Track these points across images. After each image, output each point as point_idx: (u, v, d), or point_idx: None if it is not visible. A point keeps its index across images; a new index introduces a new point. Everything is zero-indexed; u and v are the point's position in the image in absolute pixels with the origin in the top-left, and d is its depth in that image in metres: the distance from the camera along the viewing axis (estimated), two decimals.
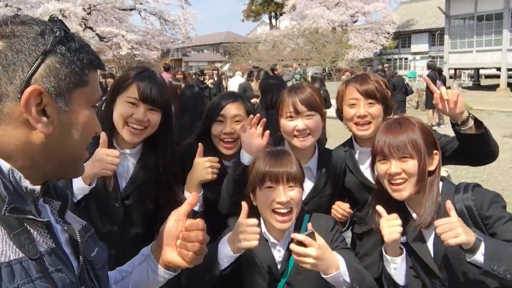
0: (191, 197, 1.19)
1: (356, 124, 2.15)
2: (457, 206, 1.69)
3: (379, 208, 1.76)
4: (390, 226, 1.72)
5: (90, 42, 18.79)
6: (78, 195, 1.76)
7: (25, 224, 0.83)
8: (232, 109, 2.16)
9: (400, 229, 1.71)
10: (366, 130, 2.13)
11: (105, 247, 1.13)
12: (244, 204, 1.69)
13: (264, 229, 1.82)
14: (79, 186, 1.75)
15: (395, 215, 1.75)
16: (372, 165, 1.85)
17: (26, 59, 0.84)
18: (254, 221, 1.64)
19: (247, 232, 1.61)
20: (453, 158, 2.06)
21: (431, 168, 1.77)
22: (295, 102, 2.07)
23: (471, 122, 1.90)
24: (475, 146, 1.94)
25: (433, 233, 1.74)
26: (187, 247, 1.13)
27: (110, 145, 1.92)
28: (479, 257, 1.49)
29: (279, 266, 1.81)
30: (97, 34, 19.04)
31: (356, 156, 2.27)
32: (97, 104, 1.00)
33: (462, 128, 1.91)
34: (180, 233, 1.16)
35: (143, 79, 1.92)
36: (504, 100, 18.52)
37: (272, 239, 1.82)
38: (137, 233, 2.02)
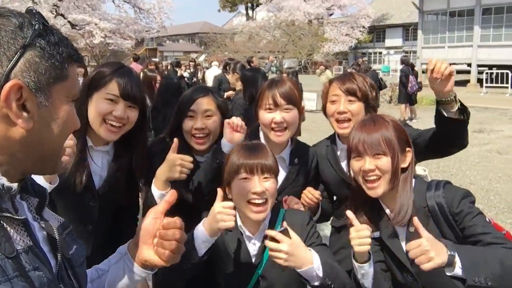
0: (169, 195, 1.18)
1: (337, 120, 2.19)
2: (429, 203, 1.75)
3: (350, 214, 1.76)
4: (360, 237, 1.73)
5: (62, 30, 18.31)
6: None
7: (1, 222, 0.82)
8: (202, 104, 2.13)
9: (369, 241, 1.73)
10: (346, 129, 2.16)
11: (83, 245, 1.11)
12: (219, 190, 1.70)
13: (239, 222, 1.83)
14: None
15: (365, 226, 1.75)
16: (348, 162, 1.88)
17: (5, 53, 0.82)
18: (230, 203, 1.65)
19: (223, 213, 1.61)
20: (424, 151, 2.09)
21: (404, 165, 1.80)
22: (275, 94, 2.10)
23: (455, 106, 1.91)
24: (454, 133, 1.96)
25: (406, 229, 1.80)
26: (164, 246, 1.12)
27: (84, 142, 1.90)
28: (457, 270, 1.52)
29: (253, 259, 1.83)
30: (69, 22, 18.54)
31: (338, 152, 2.31)
32: None
33: (448, 110, 1.91)
34: (157, 232, 1.15)
35: (122, 75, 1.89)
36: (473, 96, 19.04)
37: (247, 233, 1.83)
38: (107, 229, 2.03)
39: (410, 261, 1.75)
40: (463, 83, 23.09)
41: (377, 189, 1.77)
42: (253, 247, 1.84)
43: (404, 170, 1.81)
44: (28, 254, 0.85)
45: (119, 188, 2.01)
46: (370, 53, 41.02)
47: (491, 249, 1.59)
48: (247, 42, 23.82)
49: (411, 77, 12.74)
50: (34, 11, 0.88)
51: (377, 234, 1.88)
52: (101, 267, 1.23)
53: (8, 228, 0.83)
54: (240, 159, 1.76)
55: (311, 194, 2.13)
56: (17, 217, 0.86)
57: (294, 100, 2.12)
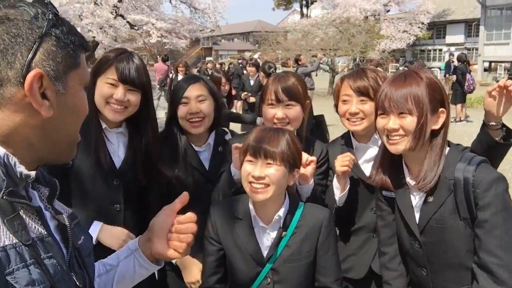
0: (183, 196, 1.25)
1: (348, 120, 2.15)
2: (456, 174, 1.64)
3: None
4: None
5: (122, 30, 19.06)
6: None
7: (17, 210, 0.85)
8: (194, 89, 2.21)
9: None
10: (358, 125, 2.12)
11: (90, 235, 1.16)
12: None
13: (253, 212, 1.82)
14: None
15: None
16: (375, 118, 1.80)
17: (24, 43, 0.85)
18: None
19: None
20: None
21: (436, 126, 1.68)
22: (277, 90, 2.10)
23: (500, 132, 1.87)
24: (496, 155, 1.90)
25: (424, 197, 1.72)
26: (181, 239, 1.21)
27: (98, 123, 2.02)
28: None
29: (266, 252, 1.81)
30: (128, 22, 19.27)
31: (354, 151, 2.24)
32: None
33: (492, 133, 1.86)
34: (169, 227, 1.23)
35: (121, 60, 1.98)
36: None
37: (261, 223, 1.82)
38: (136, 211, 2.12)
39: (420, 230, 1.72)
40: None
41: (398, 145, 1.69)
42: (266, 239, 1.82)
43: (435, 133, 1.69)
44: (43, 242, 0.88)
45: (138, 168, 2.10)
46: (430, 50, 39.40)
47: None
48: (300, 40, 23.62)
49: (468, 75, 12.12)
50: (45, 1, 0.91)
51: (392, 194, 1.83)
52: (109, 262, 1.27)
53: (24, 216, 0.86)
54: (250, 140, 1.77)
55: (343, 158, 2.04)
56: (33, 205, 0.89)
57: (297, 96, 2.11)
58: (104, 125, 2.06)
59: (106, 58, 2.02)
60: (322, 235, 1.81)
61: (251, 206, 1.83)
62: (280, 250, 1.79)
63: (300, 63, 10.99)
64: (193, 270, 2.21)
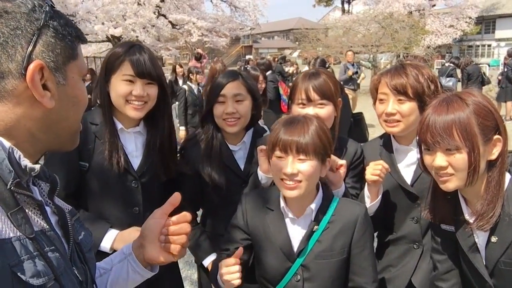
0: (173, 197, 1.21)
1: (385, 121, 1.98)
2: None
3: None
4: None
5: (164, 30, 19.43)
6: None
7: (20, 204, 0.85)
8: (232, 88, 2.12)
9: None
10: (394, 127, 1.95)
11: (90, 232, 1.15)
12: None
13: (282, 203, 1.75)
14: None
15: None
16: (420, 152, 1.62)
17: (24, 35, 0.85)
18: (232, 261, 1.58)
19: (227, 273, 1.57)
20: None
21: (492, 157, 1.47)
22: (308, 89, 2.00)
23: None
24: None
25: (487, 236, 1.53)
26: (175, 240, 1.17)
27: (112, 125, 1.97)
28: None
29: (296, 245, 1.73)
30: (170, 22, 19.63)
31: (394, 153, 2.09)
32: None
33: None
34: (161, 230, 1.20)
35: (133, 53, 1.91)
36: None
37: (290, 214, 1.74)
38: None
39: (489, 272, 1.54)
40: None
41: (448, 184, 1.51)
42: (297, 232, 1.73)
43: (492, 163, 1.49)
44: (45, 236, 0.89)
45: (157, 166, 2.04)
46: (478, 46, 37.87)
47: None
48: (341, 37, 23.25)
49: None
50: None
51: (452, 228, 1.65)
52: (102, 265, 1.25)
53: (27, 210, 0.87)
54: (278, 134, 1.66)
55: (375, 166, 1.90)
56: (36, 198, 0.90)
57: (329, 94, 1.99)
58: (120, 126, 2.00)
59: (116, 54, 1.92)
60: (358, 232, 1.70)
61: (281, 198, 1.77)
62: (311, 245, 1.70)
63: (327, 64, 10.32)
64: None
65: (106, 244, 1.92)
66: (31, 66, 0.85)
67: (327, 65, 6.87)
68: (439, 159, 1.48)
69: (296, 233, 1.74)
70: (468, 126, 1.42)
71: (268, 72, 8.43)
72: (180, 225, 1.19)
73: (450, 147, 1.45)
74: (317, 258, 1.70)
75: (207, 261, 2.21)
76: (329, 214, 1.72)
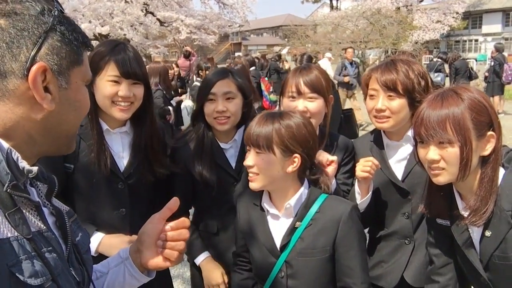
0: (172, 202, 1.20)
1: (375, 117, 1.98)
2: None
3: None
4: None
5: (152, 27, 19.29)
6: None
7: (18, 205, 0.85)
8: (222, 86, 2.10)
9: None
10: (384, 123, 1.95)
11: (87, 233, 1.15)
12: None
13: (264, 199, 1.77)
14: None
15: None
16: (415, 145, 1.64)
17: (30, 37, 0.87)
18: None
19: None
20: None
21: (484, 153, 1.49)
22: (298, 82, 2.01)
23: None
24: None
25: (481, 231, 1.54)
26: (174, 247, 1.17)
27: (98, 126, 1.93)
28: None
29: (279, 240, 1.73)
30: (158, 19, 19.50)
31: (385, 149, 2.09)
32: None
33: None
34: (158, 236, 1.19)
35: (118, 53, 1.86)
36: None
37: (272, 210, 1.75)
38: (144, 213, 1.97)
39: (483, 266, 1.55)
40: None
41: (440, 177, 1.52)
42: (279, 227, 1.74)
43: (486, 158, 1.50)
44: (43, 236, 0.89)
45: (144, 167, 2.01)
46: (465, 41, 38.22)
47: None
48: (330, 33, 23.32)
49: (505, 66, 11.67)
50: None
51: (447, 222, 1.66)
52: (99, 268, 1.24)
53: (24, 211, 0.87)
54: (250, 127, 1.74)
55: (367, 163, 1.89)
56: (33, 199, 0.90)
57: (319, 88, 2.00)
58: (105, 127, 1.96)
59: (100, 53, 1.87)
60: (341, 231, 1.67)
61: (264, 193, 1.79)
62: (293, 242, 1.69)
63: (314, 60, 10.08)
64: (215, 273, 2.16)
65: (91, 247, 1.89)
66: (34, 68, 0.86)
67: (313, 61, 6.90)
68: (432, 152, 1.50)
69: (278, 229, 1.75)
70: (462, 121, 1.43)
71: (252, 68, 8.44)
72: (179, 231, 1.18)
73: (442, 140, 1.46)
74: (300, 255, 1.69)
75: (199, 260, 2.20)
76: (313, 211, 1.71)
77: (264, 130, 1.66)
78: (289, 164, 1.69)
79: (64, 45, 0.91)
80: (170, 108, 6.38)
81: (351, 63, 11.34)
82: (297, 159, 1.69)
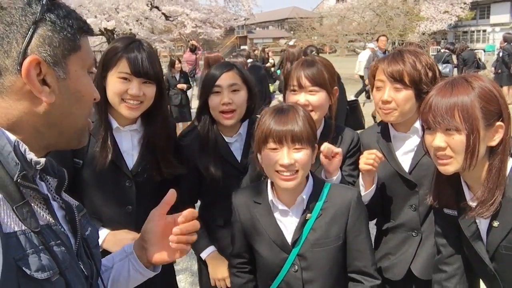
0: (168, 196, 1.19)
1: (381, 108, 1.95)
2: None
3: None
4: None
5: (158, 22, 19.27)
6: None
7: (26, 198, 0.85)
8: (227, 78, 2.09)
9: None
10: (390, 116, 1.93)
11: (96, 228, 1.15)
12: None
13: (270, 196, 1.75)
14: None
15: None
16: (423, 132, 1.63)
17: (19, 30, 0.85)
18: None
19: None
20: None
21: (492, 143, 1.47)
22: (300, 76, 2.01)
23: None
24: None
25: (488, 221, 1.54)
26: (188, 240, 1.17)
27: (106, 123, 1.91)
28: None
29: (290, 236, 1.72)
30: (163, 14, 19.48)
31: (392, 141, 2.07)
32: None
33: None
34: (162, 231, 1.19)
35: (131, 51, 1.84)
36: None
37: (280, 206, 1.74)
38: (150, 211, 2.01)
39: (490, 256, 1.55)
40: None
41: (447, 166, 1.50)
42: (290, 222, 1.73)
43: (494, 149, 1.49)
44: (51, 230, 0.89)
45: (152, 166, 2.00)
46: (473, 31, 37.84)
47: None
48: (336, 25, 23.16)
49: None
50: None
51: (454, 212, 1.65)
52: (104, 262, 1.24)
53: (32, 205, 0.87)
54: (269, 125, 1.64)
55: (371, 156, 1.88)
56: (42, 191, 0.90)
57: (321, 81, 1.99)
58: (115, 124, 1.95)
59: (114, 49, 1.86)
60: (352, 216, 1.70)
61: (269, 190, 1.76)
62: (305, 234, 1.69)
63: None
64: (220, 267, 2.15)
65: None
66: (26, 62, 0.84)
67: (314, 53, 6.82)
68: (438, 139, 1.48)
69: (288, 224, 1.74)
70: (471, 109, 1.41)
71: (249, 60, 8.37)
72: (192, 223, 1.17)
73: (449, 128, 1.45)
74: (313, 246, 1.69)
75: (205, 254, 2.21)
76: (321, 201, 1.71)
77: (301, 126, 1.64)
78: (313, 156, 1.74)
79: (56, 33, 0.88)
80: None
81: (384, 53, 10.46)
82: (315, 149, 1.76)
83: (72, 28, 0.91)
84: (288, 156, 1.61)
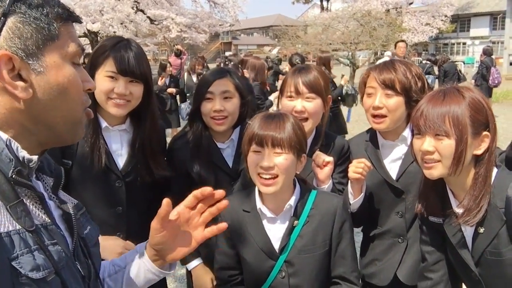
0: (164, 207, 1.14)
1: (372, 116, 1.99)
2: (510, 192, 1.49)
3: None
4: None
5: (142, 25, 19.17)
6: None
7: (21, 197, 0.83)
8: (220, 85, 2.09)
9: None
10: (381, 124, 1.97)
11: (96, 226, 1.13)
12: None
13: (259, 204, 1.76)
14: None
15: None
16: (412, 137, 1.68)
17: None
18: None
19: None
20: None
21: (478, 152, 1.53)
22: (297, 82, 2.03)
23: None
24: None
25: (474, 228, 1.58)
26: (208, 215, 1.19)
27: (95, 122, 1.90)
28: None
29: (277, 243, 1.73)
30: (148, 17, 19.39)
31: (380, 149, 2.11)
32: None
33: None
34: (167, 234, 1.15)
35: (118, 50, 1.85)
36: None
37: (269, 214, 1.74)
38: (141, 212, 1.98)
39: (475, 262, 1.58)
40: None
41: (432, 170, 1.55)
42: (278, 229, 1.74)
43: (479, 158, 1.55)
44: (47, 229, 0.87)
45: (142, 166, 1.99)
46: (453, 44, 38.67)
47: None
48: (320, 34, 23.36)
49: (493, 69, 11.80)
50: None
51: (440, 220, 1.69)
52: (117, 262, 1.23)
53: (27, 204, 0.85)
54: (254, 128, 1.68)
55: (360, 165, 1.90)
56: (37, 189, 0.88)
57: (318, 89, 2.02)
58: (104, 124, 1.94)
59: (102, 48, 1.88)
60: (337, 223, 1.73)
61: (257, 198, 1.77)
62: (293, 241, 1.71)
63: (306, 61, 9.15)
64: (205, 279, 2.15)
65: None
66: None
67: (297, 61, 6.85)
68: (427, 143, 1.53)
69: (275, 231, 1.75)
70: (461, 116, 1.49)
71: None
72: (217, 205, 1.20)
73: (439, 132, 1.50)
74: (300, 253, 1.71)
75: (191, 266, 2.20)
76: (308, 208, 1.74)
77: (283, 132, 1.67)
78: (299, 164, 1.76)
79: (27, 25, 0.83)
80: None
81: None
82: (304, 159, 1.76)
83: (46, 17, 0.85)
84: (268, 159, 1.64)
